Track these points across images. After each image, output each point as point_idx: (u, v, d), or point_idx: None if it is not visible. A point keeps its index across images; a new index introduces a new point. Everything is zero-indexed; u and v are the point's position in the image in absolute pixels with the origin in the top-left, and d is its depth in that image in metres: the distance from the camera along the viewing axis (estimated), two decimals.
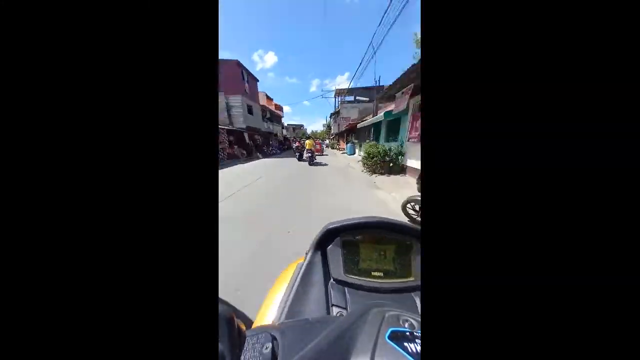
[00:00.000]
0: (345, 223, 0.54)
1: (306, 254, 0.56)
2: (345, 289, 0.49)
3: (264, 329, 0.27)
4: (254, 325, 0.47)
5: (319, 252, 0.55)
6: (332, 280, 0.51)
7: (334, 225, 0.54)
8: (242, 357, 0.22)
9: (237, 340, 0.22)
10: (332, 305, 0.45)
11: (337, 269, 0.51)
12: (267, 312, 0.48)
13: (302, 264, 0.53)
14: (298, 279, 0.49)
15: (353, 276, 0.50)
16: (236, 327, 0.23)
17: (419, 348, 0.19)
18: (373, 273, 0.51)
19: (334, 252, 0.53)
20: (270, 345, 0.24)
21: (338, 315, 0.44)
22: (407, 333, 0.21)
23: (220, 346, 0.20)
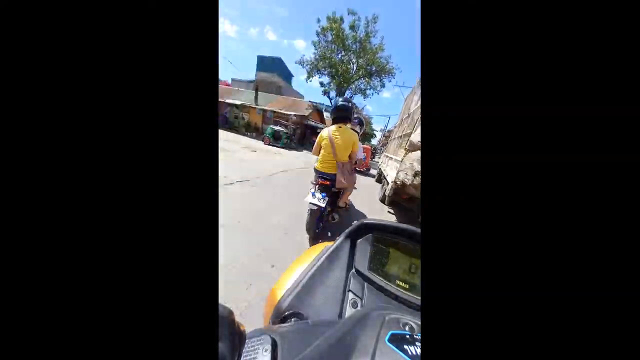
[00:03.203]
0: (381, 222, 0.54)
1: (337, 238, 0.57)
2: (365, 283, 0.49)
3: (264, 330, 0.27)
4: (275, 284, 0.50)
5: (349, 241, 0.55)
6: (354, 270, 0.51)
7: (369, 221, 0.55)
8: (242, 359, 0.22)
9: (237, 342, 0.22)
10: (349, 290, 0.46)
11: (362, 263, 0.51)
12: (289, 279, 0.50)
13: (331, 246, 0.54)
14: (323, 258, 0.50)
15: (376, 275, 0.50)
16: (236, 328, 0.23)
17: (419, 351, 0.19)
18: (398, 281, 0.50)
19: (363, 246, 0.53)
20: (270, 347, 0.24)
21: (352, 301, 0.45)
22: (407, 336, 0.21)
23: (221, 346, 0.20)
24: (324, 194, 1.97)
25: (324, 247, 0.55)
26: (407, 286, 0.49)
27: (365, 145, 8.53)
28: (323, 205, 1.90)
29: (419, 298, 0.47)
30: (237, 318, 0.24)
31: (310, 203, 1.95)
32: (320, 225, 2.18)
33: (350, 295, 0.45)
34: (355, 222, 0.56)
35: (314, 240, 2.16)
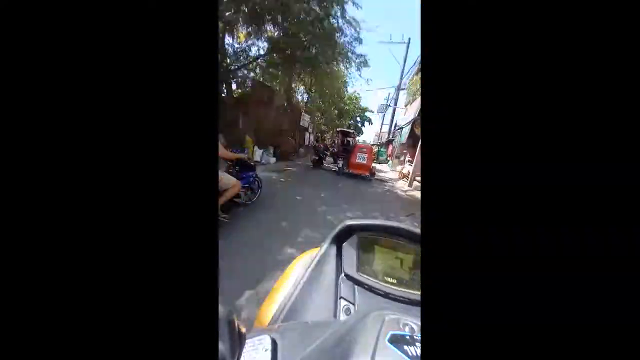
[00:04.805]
0: (365, 222, 0.54)
1: (322, 245, 0.57)
2: (355, 286, 0.49)
3: (264, 330, 0.27)
4: (264, 302, 0.49)
5: (335, 246, 0.55)
6: (343, 275, 0.51)
7: (353, 222, 0.54)
8: (242, 359, 0.22)
9: (237, 341, 0.22)
10: (341, 297, 0.46)
11: (350, 265, 0.51)
12: (278, 294, 0.48)
13: (317, 254, 0.53)
14: (311, 267, 0.49)
15: (365, 275, 0.50)
16: (236, 328, 0.23)
17: (419, 351, 0.19)
18: (386, 278, 0.50)
19: (350, 248, 0.53)
20: (270, 347, 0.24)
21: (345, 308, 0.44)
22: (407, 336, 0.21)
23: (221, 346, 0.20)
24: None
25: (309, 256, 0.55)
26: (395, 281, 0.50)
27: (365, 145, 6.95)
28: None
29: (408, 291, 0.48)
30: (237, 318, 0.24)
31: None
32: None
33: (343, 303, 0.45)
34: (339, 226, 0.56)
35: None
